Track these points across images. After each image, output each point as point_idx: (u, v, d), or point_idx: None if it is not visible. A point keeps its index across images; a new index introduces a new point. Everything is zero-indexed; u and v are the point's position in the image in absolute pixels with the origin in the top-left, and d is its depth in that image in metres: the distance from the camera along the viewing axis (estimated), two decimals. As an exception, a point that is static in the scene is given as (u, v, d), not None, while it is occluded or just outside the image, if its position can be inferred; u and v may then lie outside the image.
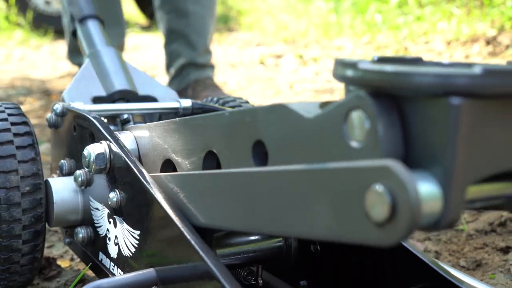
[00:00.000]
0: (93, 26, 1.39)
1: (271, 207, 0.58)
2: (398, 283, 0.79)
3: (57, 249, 1.26)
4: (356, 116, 0.49)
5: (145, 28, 5.95)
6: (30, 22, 5.41)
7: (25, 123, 1.03)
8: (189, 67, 2.58)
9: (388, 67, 0.47)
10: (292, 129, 0.57)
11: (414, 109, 0.47)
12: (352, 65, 0.49)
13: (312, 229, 0.53)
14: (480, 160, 0.47)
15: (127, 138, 0.93)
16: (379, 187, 0.45)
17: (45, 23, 5.37)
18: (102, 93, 1.21)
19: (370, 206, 0.46)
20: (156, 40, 4.86)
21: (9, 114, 1.03)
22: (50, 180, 1.01)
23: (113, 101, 1.20)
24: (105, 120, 1.17)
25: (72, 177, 0.99)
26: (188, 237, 0.70)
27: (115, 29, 2.45)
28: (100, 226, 0.94)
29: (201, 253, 0.68)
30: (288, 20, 5.02)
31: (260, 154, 0.63)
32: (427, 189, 0.45)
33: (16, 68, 4.13)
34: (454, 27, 3.70)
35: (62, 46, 4.44)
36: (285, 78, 3.45)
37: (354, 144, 0.50)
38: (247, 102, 1.25)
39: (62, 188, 1.01)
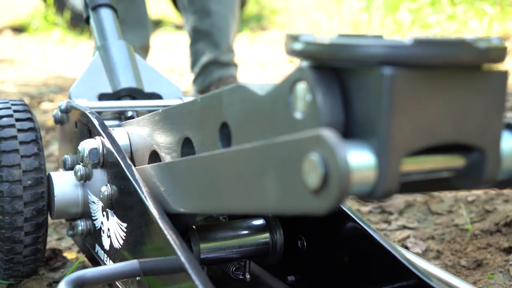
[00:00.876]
0: (106, 15, 1.37)
1: (231, 186, 0.60)
2: (374, 278, 0.80)
3: (66, 241, 1.31)
4: (300, 88, 0.51)
5: (179, 27, 6.01)
6: (67, 21, 5.54)
7: (30, 119, 1.07)
8: (212, 65, 2.61)
9: (326, 40, 0.48)
10: (249, 108, 0.59)
11: (353, 81, 0.49)
12: (296, 38, 0.50)
13: (265, 204, 0.54)
14: (415, 131, 0.47)
15: (121, 133, 0.95)
16: (313, 156, 0.46)
17: (82, 23, 5.48)
18: (108, 89, 1.24)
19: (306, 174, 0.47)
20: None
21: (14, 111, 1.07)
22: (52, 174, 1.05)
23: (119, 98, 1.23)
24: (111, 117, 1.20)
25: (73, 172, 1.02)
26: (165, 230, 0.72)
27: (139, 31, 2.49)
28: (96, 219, 0.98)
29: (174, 246, 0.70)
30: (320, 18, 5.01)
31: (226, 136, 0.65)
32: (361, 158, 0.46)
33: (51, 66, 4.23)
34: (486, 25, 3.64)
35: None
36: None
37: (298, 115, 0.51)
38: None
39: (63, 182, 1.04)
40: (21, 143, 1.03)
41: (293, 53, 0.51)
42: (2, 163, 1.00)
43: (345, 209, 0.84)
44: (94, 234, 0.99)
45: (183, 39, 5.11)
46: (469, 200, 1.50)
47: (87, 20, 1.40)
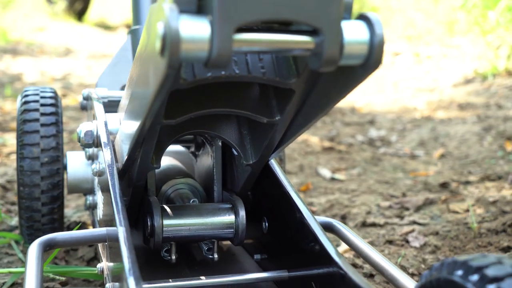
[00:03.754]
0: None
1: (139, 100, 0.70)
2: (303, 263, 0.86)
3: (96, 217, 1.45)
4: None
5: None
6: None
7: (53, 105, 1.21)
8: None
9: None
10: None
11: None
12: None
13: (149, 92, 0.63)
14: (246, 6, 0.55)
15: (114, 118, 1.07)
16: (159, 24, 0.55)
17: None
18: (134, 81, 1.36)
19: (155, 40, 0.56)
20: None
21: (41, 97, 1.22)
22: (68, 153, 1.19)
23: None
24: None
25: (88, 152, 1.15)
26: (113, 203, 0.83)
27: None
28: (96, 194, 1.10)
29: (116, 217, 0.80)
30: (417, 17, 4.93)
31: None
32: (197, 27, 0.54)
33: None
34: None
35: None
36: (394, 76, 3.44)
37: (164, 3, 0.59)
38: None
39: (76, 161, 1.18)
40: (42, 125, 1.17)
41: None
42: (24, 141, 1.15)
43: (296, 201, 0.90)
44: (96, 207, 1.12)
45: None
46: (491, 200, 1.49)
47: None
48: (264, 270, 1.00)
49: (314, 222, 0.86)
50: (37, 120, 1.18)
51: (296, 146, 2.12)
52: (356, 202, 1.55)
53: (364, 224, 1.40)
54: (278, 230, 0.96)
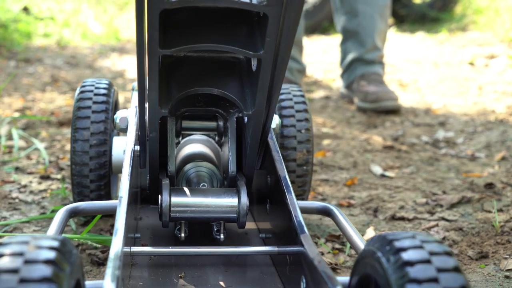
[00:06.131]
0: None
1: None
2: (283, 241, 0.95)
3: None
4: None
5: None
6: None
7: (105, 94, 1.37)
8: (357, 62, 2.77)
9: None
10: None
11: None
12: None
13: None
14: None
15: (145, 107, 1.21)
16: None
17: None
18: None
19: None
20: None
21: (95, 88, 1.38)
22: (114, 138, 1.34)
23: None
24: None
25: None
26: (123, 180, 0.97)
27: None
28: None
29: (120, 191, 0.94)
30: (522, 19, 4.77)
31: None
32: None
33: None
34: None
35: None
36: (482, 79, 3.38)
37: None
38: (299, 90, 1.44)
39: (120, 145, 1.33)
40: (93, 112, 1.34)
41: None
42: (77, 125, 1.32)
43: (285, 186, 0.99)
44: (133, 186, 1.27)
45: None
46: (527, 201, 1.49)
47: None
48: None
49: (295, 206, 0.95)
50: (89, 107, 1.34)
51: (357, 144, 2.18)
52: (395, 198, 1.60)
53: (393, 218, 1.46)
54: (274, 211, 1.06)
